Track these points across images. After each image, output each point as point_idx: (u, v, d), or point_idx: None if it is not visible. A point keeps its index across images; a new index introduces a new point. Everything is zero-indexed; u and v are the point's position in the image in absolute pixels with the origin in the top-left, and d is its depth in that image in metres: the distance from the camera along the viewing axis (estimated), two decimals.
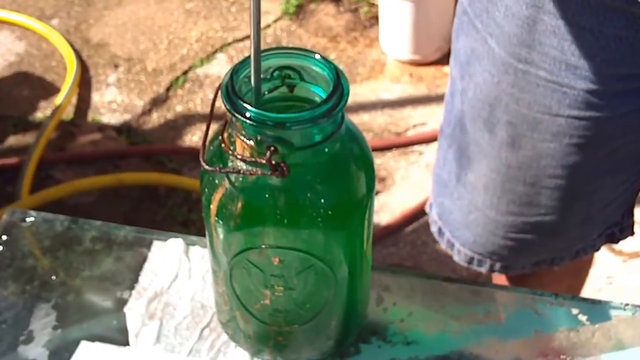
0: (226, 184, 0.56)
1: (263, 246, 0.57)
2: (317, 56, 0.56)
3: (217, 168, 0.55)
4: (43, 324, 0.70)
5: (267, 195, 0.55)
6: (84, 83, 2.13)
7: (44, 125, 1.98)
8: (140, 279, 0.73)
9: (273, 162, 0.53)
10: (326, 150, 0.55)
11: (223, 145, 0.55)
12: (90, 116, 2.04)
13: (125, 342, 0.68)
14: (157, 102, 2.05)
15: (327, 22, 2.23)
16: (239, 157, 0.54)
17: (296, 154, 0.54)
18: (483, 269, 1.03)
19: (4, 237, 0.76)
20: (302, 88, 0.57)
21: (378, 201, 1.80)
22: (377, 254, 1.71)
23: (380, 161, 1.90)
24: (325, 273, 0.59)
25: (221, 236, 0.58)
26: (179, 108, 2.03)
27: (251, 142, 0.54)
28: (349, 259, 0.60)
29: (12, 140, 1.99)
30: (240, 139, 0.54)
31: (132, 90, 2.09)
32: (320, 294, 0.60)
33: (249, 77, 0.55)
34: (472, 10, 0.85)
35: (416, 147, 1.94)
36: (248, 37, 2.14)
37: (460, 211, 0.99)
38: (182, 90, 2.07)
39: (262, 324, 0.63)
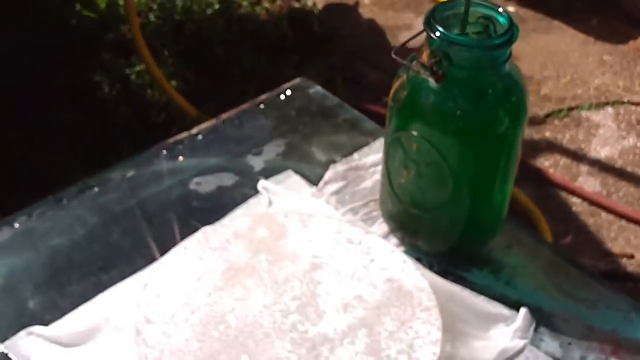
0: (404, 76, 0.82)
1: (413, 132, 0.81)
2: (500, 9, 0.79)
3: (400, 59, 0.81)
4: (271, 150, 1.01)
5: (423, 92, 0.80)
6: None
7: None
8: (355, 154, 1.00)
9: (434, 68, 0.77)
10: (478, 78, 0.79)
11: (417, 52, 0.81)
12: None
13: (315, 184, 0.96)
14: (532, 121, 2.29)
15: None
16: (419, 60, 0.80)
17: (452, 69, 0.78)
18: None
19: (288, 92, 1.09)
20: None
21: None
22: None
23: None
24: (444, 173, 0.81)
25: (391, 116, 0.84)
26: (548, 134, 2.25)
27: (428, 51, 0.79)
28: (469, 177, 0.82)
29: None
30: (426, 48, 0.79)
31: None
32: (439, 190, 0.83)
33: (452, 14, 0.80)
34: None
35: None
36: None
37: None
38: (558, 121, 2.29)
39: (397, 201, 0.87)
